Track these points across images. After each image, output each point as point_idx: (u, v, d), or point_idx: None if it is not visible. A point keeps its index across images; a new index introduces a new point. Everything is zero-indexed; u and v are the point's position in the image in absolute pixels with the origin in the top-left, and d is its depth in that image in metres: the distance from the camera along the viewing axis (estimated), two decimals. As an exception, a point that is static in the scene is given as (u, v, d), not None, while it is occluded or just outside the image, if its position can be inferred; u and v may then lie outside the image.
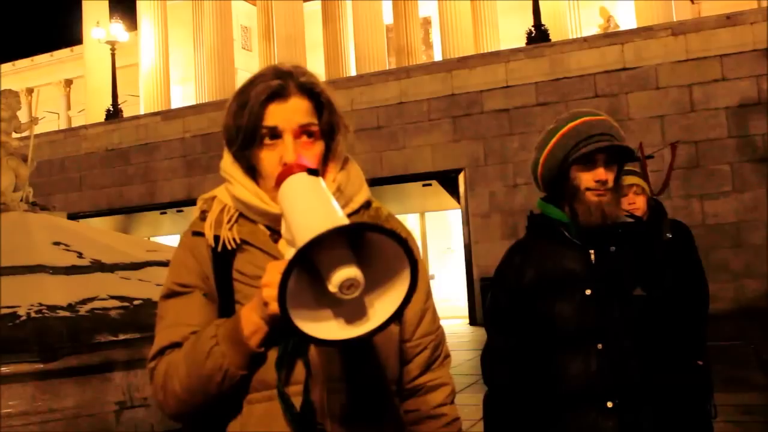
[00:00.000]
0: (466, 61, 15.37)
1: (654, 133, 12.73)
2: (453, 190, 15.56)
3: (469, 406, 6.79)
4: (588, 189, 2.06)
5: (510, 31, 23.78)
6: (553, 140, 2.12)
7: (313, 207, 1.23)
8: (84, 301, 4.11)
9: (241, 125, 1.41)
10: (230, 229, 1.44)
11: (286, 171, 1.35)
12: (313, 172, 1.33)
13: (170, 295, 1.45)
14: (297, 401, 1.32)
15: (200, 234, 1.46)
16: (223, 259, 1.42)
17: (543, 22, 16.36)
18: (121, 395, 3.92)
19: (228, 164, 1.49)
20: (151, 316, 1.52)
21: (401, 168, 14.85)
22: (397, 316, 1.20)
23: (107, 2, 27.73)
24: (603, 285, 2.04)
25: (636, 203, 3.88)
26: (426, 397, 1.54)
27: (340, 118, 1.49)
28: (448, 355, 1.60)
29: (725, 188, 12.54)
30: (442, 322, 1.63)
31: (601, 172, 2.05)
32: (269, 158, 1.42)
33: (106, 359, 3.92)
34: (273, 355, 1.33)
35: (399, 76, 15.64)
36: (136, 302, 4.21)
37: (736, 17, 13.04)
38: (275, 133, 1.41)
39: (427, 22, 28.86)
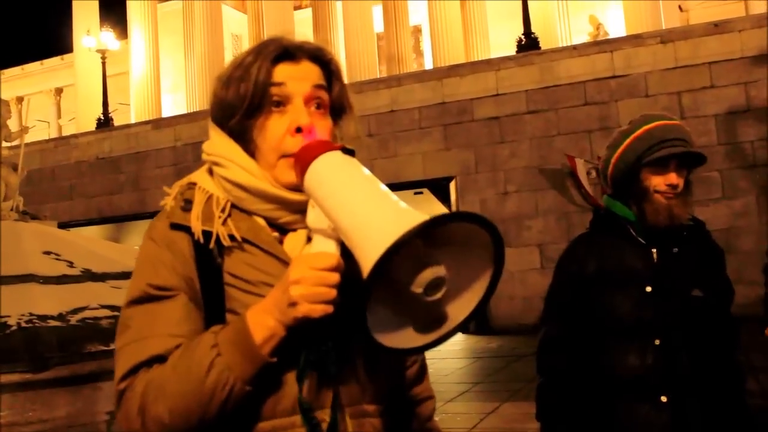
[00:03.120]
0: (457, 69, 15.41)
1: (644, 141, 12.79)
2: (444, 198, 15.58)
3: (461, 414, 6.78)
4: (657, 191, 2.14)
5: (500, 40, 23.91)
6: (627, 141, 2.21)
7: (374, 197, 1.02)
8: (75, 311, 4.10)
9: (247, 90, 1.22)
10: (224, 223, 1.20)
11: (316, 147, 1.13)
12: (348, 151, 1.14)
13: (143, 299, 1.18)
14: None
15: (180, 227, 1.22)
16: (210, 258, 1.19)
17: (533, 30, 16.45)
18: (112, 405, 3.90)
19: (221, 144, 1.28)
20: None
21: (393, 176, 14.84)
22: (479, 311, 1.01)
23: (98, 11, 27.72)
24: (663, 283, 2.13)
25: None
26: (418, 410, 1.46)
27: (349, 96, 1.36)
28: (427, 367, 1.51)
29: (715, 195, 12.59)
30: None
31: (673, 177, 2.14)
32: (276, 125, 1.23)
33: (97, 369, 3.90)
34: (285, 375, 1.14)
35: (390, 84, 15.67)
36: (127, 311, 4.20)
37: (724, 25, 13.14)
38: (283, 100, 1.24)
39: (417, 31, 28.96)
